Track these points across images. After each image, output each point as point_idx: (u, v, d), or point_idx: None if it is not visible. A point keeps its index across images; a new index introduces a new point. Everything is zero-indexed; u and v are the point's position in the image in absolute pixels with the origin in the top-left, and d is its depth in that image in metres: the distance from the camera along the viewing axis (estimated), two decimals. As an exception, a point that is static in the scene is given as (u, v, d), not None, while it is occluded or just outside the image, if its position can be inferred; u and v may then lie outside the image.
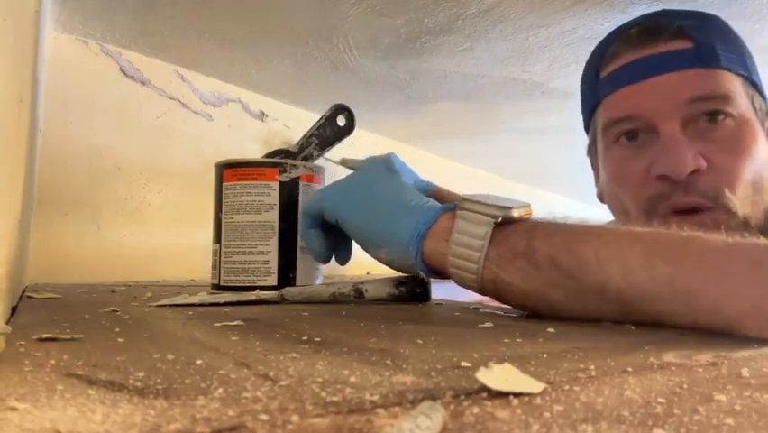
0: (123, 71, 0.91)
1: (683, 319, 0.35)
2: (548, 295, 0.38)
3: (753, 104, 0.58)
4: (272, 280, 0.55)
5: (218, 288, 0.56)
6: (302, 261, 0.56)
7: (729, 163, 0.55)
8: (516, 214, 0.39)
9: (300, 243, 0.56)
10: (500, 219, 0.39)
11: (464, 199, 0.41)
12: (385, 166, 0.51)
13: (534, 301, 0.39)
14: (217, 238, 0.57)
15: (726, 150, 0.55)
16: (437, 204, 0.45)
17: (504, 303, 0.41)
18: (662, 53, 0.56)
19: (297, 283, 0.56)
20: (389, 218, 0.45)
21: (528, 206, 0.41)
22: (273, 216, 0.56)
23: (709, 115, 0.55)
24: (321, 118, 0.62)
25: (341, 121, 0.62)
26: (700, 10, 0.62)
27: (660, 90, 0.56)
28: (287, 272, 0.56)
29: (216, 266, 0.57)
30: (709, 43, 0.56)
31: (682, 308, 0.34)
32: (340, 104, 0.62)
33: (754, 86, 0.59)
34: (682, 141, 0.55)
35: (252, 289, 0.54)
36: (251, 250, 0.55)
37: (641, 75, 0.57)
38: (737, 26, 0.61)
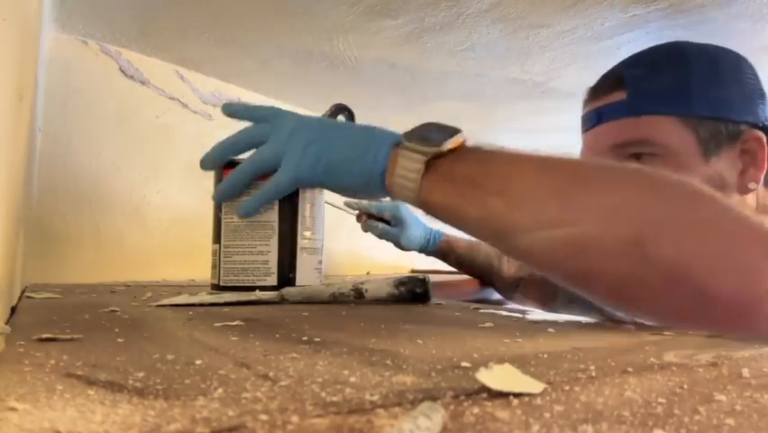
0: (122, 71, 0.90)
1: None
2: (460, 207, 0.43)
3: (697, 135, 0.62)
4: (272, 280, 0.55)
5: (218, 288, 0.56)
6: (302, 261, 0.56)
7: None
8: (446, 147, 0.44)
9: (301, 243, 0.56)
10: (431, 155, 0.44)
11: (405, 136, 0.47)
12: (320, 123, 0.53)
13: (452, 214, 0.44)
14: (217, 238, 0.57)
15: None
16: (384, 140, 0.48)
17: (435, 219, 0.47)
18: (598, 108, 0.67)
19: (297, 283, 0.56)
20: (359, 175, 0.49)
21: (459, 132, 0.46)
22: (273, 216, 0.55)
23: (634, 157, 0.64)
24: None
25: (341, 120, 0.62)
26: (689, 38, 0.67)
27: (596, 139, 0.68)
28: (287, 272, 0.56)
29: (216, 266, 0.57)
30: (642, 92, 0.64)
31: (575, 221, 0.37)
32: (340, 103, 0.62)
33: (704, 117, 0.62)
34: None
35: (252, 289, 0.54)
36: (250, 250, 0.55)
37: (587, 126, 0.70)
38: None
